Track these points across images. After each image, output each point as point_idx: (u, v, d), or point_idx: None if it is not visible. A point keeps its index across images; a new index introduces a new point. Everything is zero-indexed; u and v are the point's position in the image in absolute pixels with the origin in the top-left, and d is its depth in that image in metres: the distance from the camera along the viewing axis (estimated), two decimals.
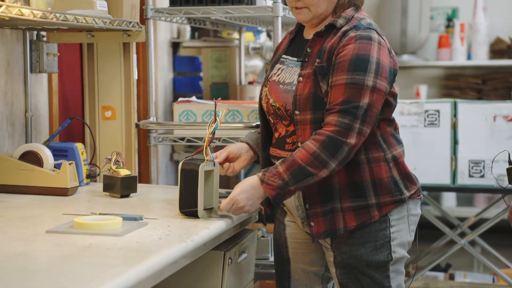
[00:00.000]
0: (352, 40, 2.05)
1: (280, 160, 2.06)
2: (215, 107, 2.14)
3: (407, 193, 2.15)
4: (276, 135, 2.20)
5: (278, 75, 2.20)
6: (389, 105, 2.13)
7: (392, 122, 2.19)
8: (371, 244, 2.13)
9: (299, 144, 2.09)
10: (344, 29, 2.10)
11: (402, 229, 2.16)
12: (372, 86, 2.03)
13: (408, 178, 2.18)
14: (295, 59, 2.18)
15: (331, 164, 2.02)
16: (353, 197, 2.11)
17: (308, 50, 2.13)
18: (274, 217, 2.36)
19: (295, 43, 2.23)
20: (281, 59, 2.23)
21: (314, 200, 2.12)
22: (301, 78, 2.10)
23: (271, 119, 2.21)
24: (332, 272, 2.21)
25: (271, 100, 2.18)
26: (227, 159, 2.26)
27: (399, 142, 2.20)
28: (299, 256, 2.28)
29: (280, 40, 2.80)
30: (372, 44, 2.05)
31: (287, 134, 2.16)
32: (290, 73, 2.16)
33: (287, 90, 2.14)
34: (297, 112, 2.09)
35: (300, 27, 2.25)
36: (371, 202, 2.12)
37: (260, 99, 2.24)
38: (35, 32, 2.87)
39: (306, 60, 2.12)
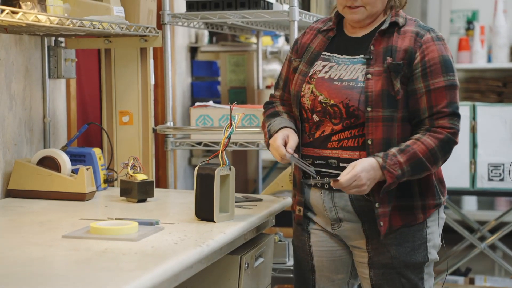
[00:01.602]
0: (430, 42, 2.12)
1: (396, 149, 2.06)
2: (231, 112, 2.14)
3: (442, 198, 2.20)
4: (318, 133, 2.17)
5: (326, 72, 2.18)
6: None
7: None
8: (410, 244, 2.14)
9: (370, 142, 2.09)
10: (410, 29, 2.14)
11: (435, 231, 2.19)
12: (458, 86, 2.14)
13: (442, 183, 2.23)
14: (349, 57, 2.17)
15: (440, 162, 2.11)
16: (400, 197, 2.13)
17: (372, 48, 2.14)
18: (292, 222, 2.35)
19: (338, 41, 2.22)
20: (322, 56, 2.22)
21: (384, 199, 2.12)
22: (370, 76, 2.11)
23: (316, 116, 2.17)
24: (363, 273, 2.20)
25: (321, 97, 2.15)
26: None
27: None
28: (324, 264, 2.26)
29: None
30: (445, 44, 2.15)
31: (332, 132, 2.14)
32: (347, 70, 2.15)
33: (350, 86, 2.12)
34: (369, 109, 2.09)
35: (337, 25, 2.24)
36: (416, 203, 2.14)
37: (301, 96, 2.20)
38: (53, 38, 2.89)
39: (371, 57, 2.13)
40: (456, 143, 2.12)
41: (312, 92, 2.18)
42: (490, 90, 5.43)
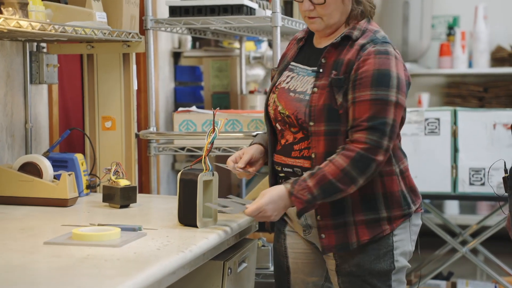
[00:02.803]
0: (371, 55, 2.06)
1: (308, 173, 2.04)
2: (214, 117, 2.14)
3: (413, 207, 2.18)
4: (283, 142, 2.19)
5: (287, 82, 2.19)
6: (402, 119, 2.14)
7: (398, 136, 2.19)
8: (374, 252, 2.13)
9: (313, 155, 2.09)
10: (360, 42, 2.09)
11: (404, 239, 2.17)
12: (395, 102, 2.04)
13: (413, 191, 2.20)
14: (307, 68, 2.17)
15: (359, 180, 2.03)
16: (365, 210, 2.12)
17: (323, 60, 2.12)
18: (274, 226, 2.36)
19: (305, 51, 2.22)
20: (290, 66, 2.22)
21: (326, 212, 2.12)
22: (316, 89, 2.10)
23: (278, 126, 2.20)
24: (333, 280, 2.21)
25: (279, 107, 2.17)
26: (248, 162, 2.23)
27: (405, 155, 2.21)
28: (299, 266, 2.28)
29: (279, 48, 2.81)
30: (391, 58, 2.06)
31: (294, 141, 2.15)
32: (301, 81, 2.16)
33: (299, 99, 2.13)
34: (311, 124, 2.09)
35: (309, 35, 2.24)
36: (382, 216, 2.13)
37: (267, 105, 2.23)
38: (35, 44, 2.88)
39: (321, 70, 2.11)
40: (374, 159, 2.01)
41: (274, 102, 2.20)
42: (471, 95, 5.47)
